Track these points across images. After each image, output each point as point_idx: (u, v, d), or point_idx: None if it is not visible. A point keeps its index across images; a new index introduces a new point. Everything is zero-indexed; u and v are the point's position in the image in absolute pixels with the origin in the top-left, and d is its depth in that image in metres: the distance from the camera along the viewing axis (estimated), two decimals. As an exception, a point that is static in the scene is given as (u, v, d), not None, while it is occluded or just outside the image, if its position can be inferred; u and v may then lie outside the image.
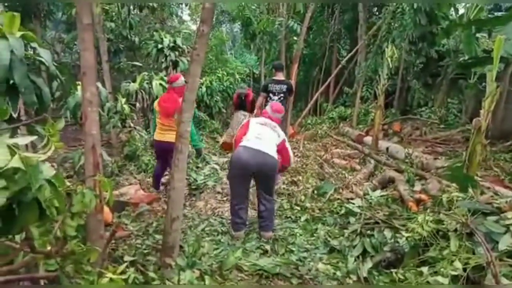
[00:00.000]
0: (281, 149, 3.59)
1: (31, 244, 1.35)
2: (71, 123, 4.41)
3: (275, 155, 3.45)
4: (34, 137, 1.22)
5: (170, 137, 4.01)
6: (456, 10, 8.78)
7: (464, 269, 2.08)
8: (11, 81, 2.74)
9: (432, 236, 2.45)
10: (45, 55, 2.99)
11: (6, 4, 9.40)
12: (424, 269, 2.21)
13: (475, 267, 2.05)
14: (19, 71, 2.72)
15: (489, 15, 7.75)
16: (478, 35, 7.53)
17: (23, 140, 1.14)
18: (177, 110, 3.78)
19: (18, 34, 2.84)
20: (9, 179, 1.04)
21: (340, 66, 11.23)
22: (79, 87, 3.76)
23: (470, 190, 2.88)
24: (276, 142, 3.54)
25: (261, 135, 3.48)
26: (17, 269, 1.60)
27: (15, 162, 1.02)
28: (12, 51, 2.66)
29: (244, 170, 3.33)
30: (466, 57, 7.19)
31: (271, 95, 6.25)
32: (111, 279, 1.58)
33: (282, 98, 6.14)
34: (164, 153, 4.28)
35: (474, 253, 2.17)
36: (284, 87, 6.12)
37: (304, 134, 9.62)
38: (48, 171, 1.14)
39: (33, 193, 1.09)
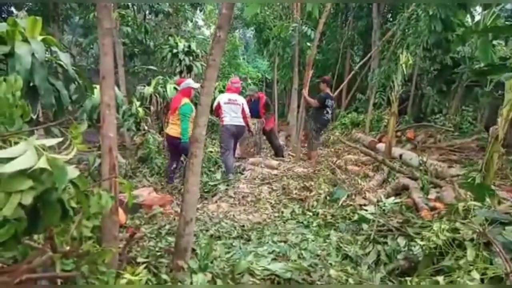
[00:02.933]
0: (242, 110, 5.95)
1: (53, 244, 1.38)
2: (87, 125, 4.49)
3: (242, 121, 5.96)
4: (60, 139, 1.24)
5: (170, 130, 5.10)
6: (472, 17, 8.67)
7: (482, 280, 2.04)
8: (31, 84, 2.81)
9: (447, 245, 2.41)
10: (64, 59, 3.07)
11: (27, 8, 9.65)
12: (440, 278, 2.17)
13: (493, 277, 2.01)
14: (39, 74, 2.79)
15: (506, 22, 7.64)
16: (494, 42, 7.43)
17: (49, 141, 1.17)
18: (177, 108, 4.98)
19: (39, 38, 2.92)
20: (36, 180, 1.06)
21: (353, 72, 11.18)
22: (95, 90, 3.84)
23: (487, 199, 2.83)
24: (240, 110, 5.92)
25: (232, 112, 5.84)
26: (35, 268, 1.63)
27: (42, 163, 1.04)
28: (33, 55, 2.74)
29: (230, 136, 5.84)
30: (482, 64, 7.08)
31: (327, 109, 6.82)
32: (130, 281, 1.60)
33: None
34: (170, 146, 5.37)
35: (491, 263, 2.13)
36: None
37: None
38: (72, 172, 1.17)
39: (58, 193, 1.11)
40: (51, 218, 1.17)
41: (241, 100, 6.06)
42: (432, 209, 3.59)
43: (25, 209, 1.09)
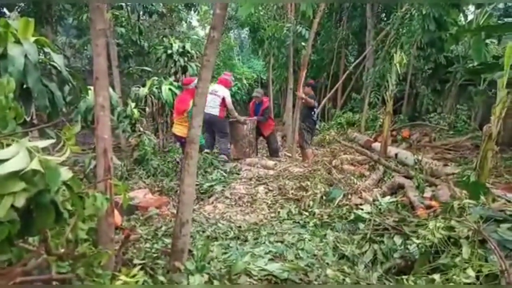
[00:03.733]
0: (222, 102, 6.29)
1: (47, 246, 1.37)
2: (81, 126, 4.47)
3: (216, 112, 6.22)
4: (53, 141, 1.23)
5: (176, 129, 5.64)
6: (465, 16, 8.75)
7: (477, 277, 2.05)
8: (25, 85, 2.79)
9: (443, 243, 2.43)
10: (58, 60, 3.05)
11: (19, 9, 9.58)
12: (436, 276, 2.18)
13: (488, 275, 2.03)
14: (32, 76, 2.77)
15: (499, 21, 7.71)
16: (487, 41, 7.50)
17: (42, 143, 1.15)
18: (186, 110, 5.31)
19: (32, 39, 2.90)
20: (28, 182, 1.05)
21: (348, 71, 11.21)
22: (90, 92, 3.82)
23: (481, 197, 2.85)
24: (218, 101, 6.26)
25: (210, 102, 5.97)
26: (31, 271, 1.62)
27: (35, 165, 1.03)
28: (26, 56, 2.72)
29: (206, 125, 6.11)
30: (475, 63, 7.14)
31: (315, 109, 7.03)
32: (125, 282, 1.59)
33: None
34: (180, 144, 5.92)
35: (487, 261, 2.14)
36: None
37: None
38: (65, 174, 1.15)
39: (51, 195, 1.10)
40: (45, 220, 1.15)
41: (223, 92, 6.39)
42: (428, 207, 3.60)
43: (18, 211, 1.08)
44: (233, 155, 6.96)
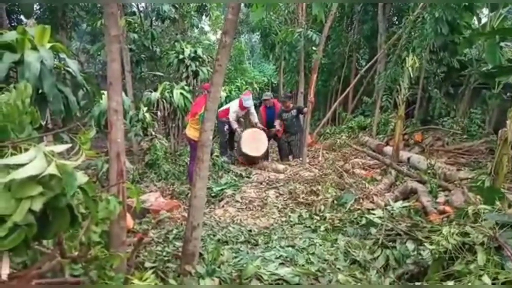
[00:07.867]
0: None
1: (62, 249, 1.39)
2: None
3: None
4: (69, 145, 1.26)
5: (188, 132, 5.48)
6: (479, 19, 8.63)
7: (493, 284, 2.01)
8: (40, 90, 2.85)
9: (457, 249, 2.38)
10: (73, 66, 3.11)
11: (36, 16, 9.79)
12: (450, 283, 2.15)
13: (505, 282, 1.98)
14: (48, 81, 2.83)
15: (514, 24, 7.58)
16: (502, 44, 7.37)
17: (58, 147, 1.18)
18: (196, 113, 5.20)
19: (48, 45, 2.96)
20: (45, 186, 1.08)
21: (359, 75, 11.15)
22: (103, 96, 3.88)
23: (497, 202, 2.80)
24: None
25: None
26: (44, 273, 1.65)
27: (52, 169, 1.06)
28: (42, 62, 2.78)
29: None
30: (490, 67, 7.02)
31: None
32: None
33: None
34: (190, 146, 5.61)
35: (503, 268, 2.10)
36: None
37: (323, 143, 9.57)
38: (81, 178, 1.18)
39: (68, 199, 1.13)
40: (61, 224, 1.18)
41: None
42: (441, 212, 3.55)
43: (35, 215, 1.10)
44: (241, 160, 6.99)
